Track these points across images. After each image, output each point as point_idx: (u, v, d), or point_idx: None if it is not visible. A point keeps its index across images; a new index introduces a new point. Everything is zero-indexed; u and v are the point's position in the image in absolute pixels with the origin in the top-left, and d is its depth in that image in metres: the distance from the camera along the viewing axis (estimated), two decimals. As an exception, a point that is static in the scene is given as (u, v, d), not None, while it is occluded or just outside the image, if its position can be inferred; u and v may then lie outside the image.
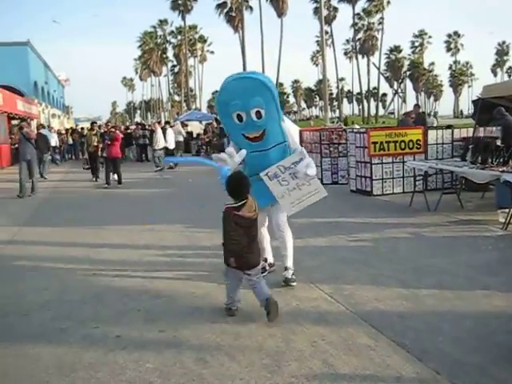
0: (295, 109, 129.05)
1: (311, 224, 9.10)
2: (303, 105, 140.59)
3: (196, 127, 36.64)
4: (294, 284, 5.92)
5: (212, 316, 5.11)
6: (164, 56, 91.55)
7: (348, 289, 5.75)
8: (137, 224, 9.99)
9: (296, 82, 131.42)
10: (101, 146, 18.42)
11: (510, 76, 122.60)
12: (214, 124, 32.21)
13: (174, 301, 5.60)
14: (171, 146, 23.53)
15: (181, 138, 26.98)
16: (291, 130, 6.18)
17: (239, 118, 5.66)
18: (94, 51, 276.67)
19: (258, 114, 5.61)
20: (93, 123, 20.78)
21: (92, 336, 4.72)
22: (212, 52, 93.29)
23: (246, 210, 4.97)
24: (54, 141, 26.37)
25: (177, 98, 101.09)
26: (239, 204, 4.99)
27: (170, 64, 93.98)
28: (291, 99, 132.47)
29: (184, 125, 34.05)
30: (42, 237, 9.20)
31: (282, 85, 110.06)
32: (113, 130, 18.33)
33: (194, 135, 34.41)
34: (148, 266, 7.03)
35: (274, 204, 5.98)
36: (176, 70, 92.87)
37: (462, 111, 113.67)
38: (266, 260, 6.29)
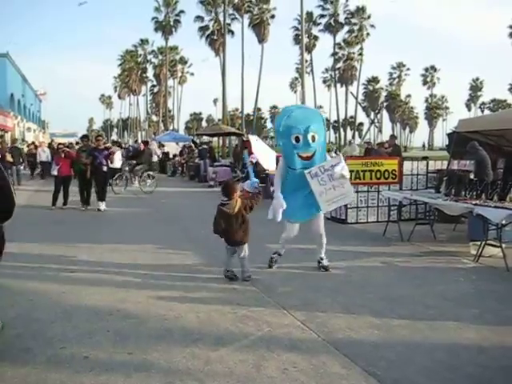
0: (272, 134, 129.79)
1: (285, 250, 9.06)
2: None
3: (172, 148, 36.64)
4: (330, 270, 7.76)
5: (183, 340, 5.03)
6: (144, 75, 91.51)
7: (320, 316, 5.73)
8: (109, 243, 9.86)
9: (274, 107, 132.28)
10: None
11: (482, 111, 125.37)
12: (192, 146, 32.34)
13: (144, 322, 5.50)
14: (116, 165, 21.29)
15: (155, 158, 26.94)
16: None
17: (297, 139, 7.27)
18: (75, 67, 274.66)
19: (313, 138, 7.29)
20: (84, 137, 17.30)
21: (58, 356, 4.60)
22: (192, 74, 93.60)
23: (228, 207, 7.09)
24: (45, 156, 26.07)
25: (154, 118, 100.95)
26: (224, 202, 7.15)
27: (149, 84, 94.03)
28: (268, 124, 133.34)
29: (161, 145, 34.06)
30: (9, 254, 8.99)
31: (259, 110, 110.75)
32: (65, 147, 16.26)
33: (171, 156, 34.37)
34: (119, 285, 6.92)
35: (313, 218, 7.60)
36: (155, 89, 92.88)
37: (428, 144, 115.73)
38: (278, 253, 8.05)
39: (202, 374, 4.26)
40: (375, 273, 7.77)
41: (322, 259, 7.87)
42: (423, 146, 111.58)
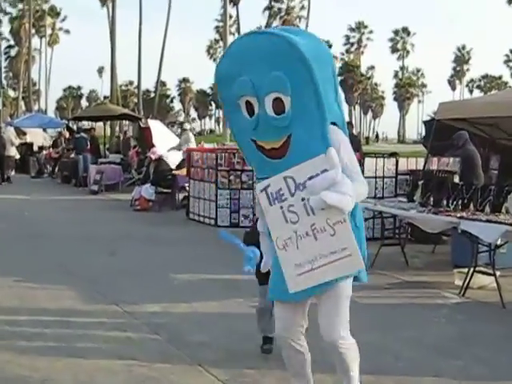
0: (181, 118, 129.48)
1: (198, 282, 9.13)
2: (193, 114, 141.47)
3: (38, 137, 35.90)
4: None
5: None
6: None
7: (250, 374, 5.77)
8: None
9: (184, 81, 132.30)
10: None
11: (471, 91, 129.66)
12: (66, 134, 31.79)
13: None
14: None
15: (12, 152, 26.33)
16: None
17: (249, 108, 4.41)
18: None
19: (279, 104, 4.28)
20: None
21: None
22: (67, 31, 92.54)
23: None
24: None
25: (12, 92, 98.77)
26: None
27: (3, 43, 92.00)
28: (176, 105, 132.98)
29: (21, 132, 33.30)
30: None
31: (164, 84, 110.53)
32: None
33: (35, 148, 33.65)
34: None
35: (321, 293, 4.46)
36: (13, 52, 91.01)
37: (398, 135, 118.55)
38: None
39: None
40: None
41: None
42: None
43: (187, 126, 22.75)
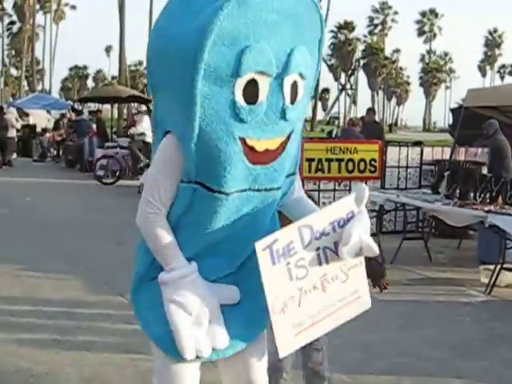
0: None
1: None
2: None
3: (42, 119, 36.03)
4: None
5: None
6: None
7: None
8: None
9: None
10: None
11: (502, 77, 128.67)
12: (72, 116, 31.79)
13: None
14: None
15: (13, 133, 26.40)
16: None
17: (251, 91, 3.16)
18: None
19: (293, 90, 3.31)
20: None
21: None
22: (73, 7, 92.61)
23: None
24: None
25: (14, 71, 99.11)
26: None
27: (6, 20, 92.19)
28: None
29: (23, 113, 33.42)
30: None
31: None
32: None
33: (39, 130, 33.77)
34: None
35: (247, 345, 3.56)
36: (15, 29, 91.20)
37: (435, 123, 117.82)
38: None
39: None
40: (344, 309, 7.90)
41: None
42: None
43: None
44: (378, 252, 3.46)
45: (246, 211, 3.43)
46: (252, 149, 3.28)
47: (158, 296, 3.34)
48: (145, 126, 20.73)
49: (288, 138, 3.41)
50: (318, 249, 3.46)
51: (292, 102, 3.30)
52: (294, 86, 3.29)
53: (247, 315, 3.44)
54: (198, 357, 3.36)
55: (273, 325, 3.33)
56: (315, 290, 3.51)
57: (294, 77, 3.26)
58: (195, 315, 3.32)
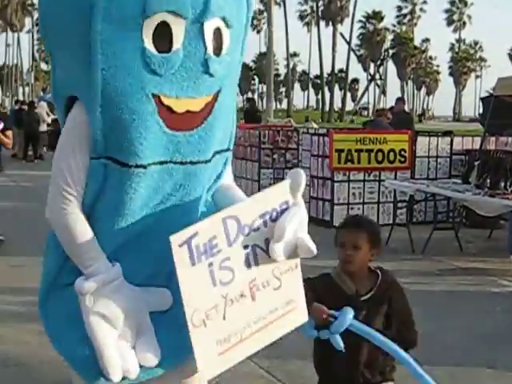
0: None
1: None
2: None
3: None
4: None
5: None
6: (28, 2, 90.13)
7: (293, 363, 5.82)
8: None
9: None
10: None
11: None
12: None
13: (33, 371, 5.51)
14: None
15: (43, 127, 26.53)
16: None
17: (163, 36, 2.71)
18: None
19: (217, 39, 2.88)
20: None
21: None
22: None
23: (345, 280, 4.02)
24: None
25: (44, 66, 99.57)
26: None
27: (35, 14, 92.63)
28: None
29: (54, 108, 33.59)
30: None
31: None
32: None
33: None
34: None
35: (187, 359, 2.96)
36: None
37: (454, 112, 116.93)
38: None
39: None
40: (374, 299, 7.90)
41: None
42: (454, 114, 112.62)
43: None
44: (315, 252, 2.99)
45: (170, 190, 2.97)
46: (170, 109, 2.81)
47: (74, 307, 2.81)
48: None
49: (215, 98, 2.95)
50: (246, 247, 2.95)
51: (217, 54, 2.87)
52: (218, 33, 2.86)
53: (182, 324, 2.76)
54: (124, 378, 2.81)
55: (192, 341, 2.76)
56: (243, 298, 2.99)
57: (216, 22, 2.82)
58: (121, 328, 2.84)
